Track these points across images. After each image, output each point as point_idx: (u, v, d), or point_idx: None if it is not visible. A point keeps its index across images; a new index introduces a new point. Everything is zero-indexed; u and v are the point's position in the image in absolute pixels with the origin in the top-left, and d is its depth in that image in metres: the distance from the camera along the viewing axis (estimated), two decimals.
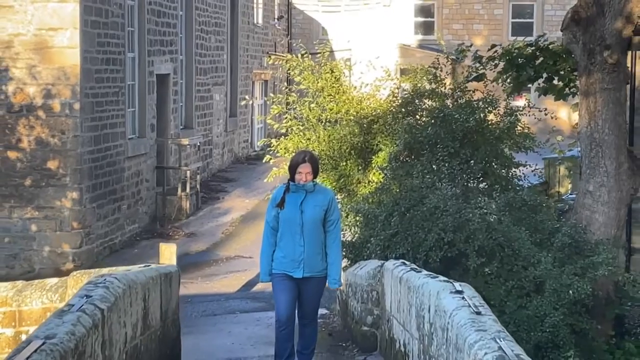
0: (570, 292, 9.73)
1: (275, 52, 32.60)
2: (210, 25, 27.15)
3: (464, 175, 11.27)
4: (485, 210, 10.09)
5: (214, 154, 27.68)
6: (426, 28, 41.45)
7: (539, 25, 39.95)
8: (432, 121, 11.63)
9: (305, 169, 7.90)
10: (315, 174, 8.09)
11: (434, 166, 10.96)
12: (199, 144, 24.93)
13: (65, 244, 17.97)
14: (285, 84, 13.24)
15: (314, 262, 8.11)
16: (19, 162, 17.90)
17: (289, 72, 13.53)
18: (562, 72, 12.38)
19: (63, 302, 8.96)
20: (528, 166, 12.99)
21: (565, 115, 28.77)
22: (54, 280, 9.47)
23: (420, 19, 41.78)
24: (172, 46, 23.56)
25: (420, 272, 7.88)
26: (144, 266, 8.97)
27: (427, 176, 10.75)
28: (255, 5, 32.85)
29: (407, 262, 8.78)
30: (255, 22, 32.92)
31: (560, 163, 19.00)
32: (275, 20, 36.19)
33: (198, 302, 16.26)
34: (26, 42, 17.82)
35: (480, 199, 10.39)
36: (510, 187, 11.71)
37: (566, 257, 10.51)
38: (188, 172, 22.92)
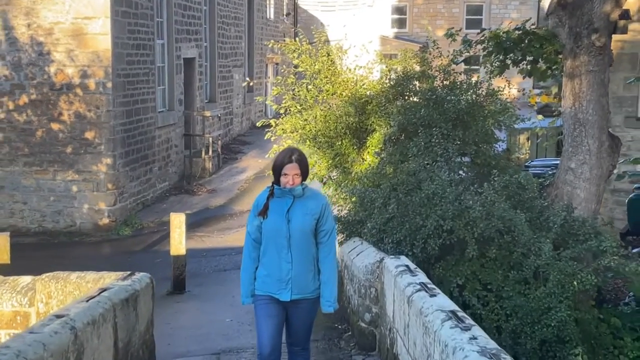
0: (575, 282, 6.62)
1: (284, 41, 29.56)
2: (230, 19, 23.86)
3: (458, 157, 8.04)
4: (485, 196, 6.93)
5: (234, 122, 24.58)
6: (400, 23, 39.25)
7: (486, 20, 37.03)
8: (425, 103, 8.43)
9: (292, 170, 4.61)
10: (304, 175, 4.79)
11: (428, 148, 7.72)
12: (219, 115, 21.81)
13: (101, 203, 15.06)
14: (293, 68, 9.97)
15: (304, 281, 4.80)
16: (60, 132, 14.98)
17: (289, 55, 10.08)
18: (546, 56, 9.08)
19: (32, 306, 5.96)
20: (501, 141, 9.95)
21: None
22: (27, 279, 6.45)
23: (396, 16, 39.52)
24: (197, 35, 20.25)
25: (434, 295, 4.61)
26: (124, 277, 5.84)
27: (423, 159, 7.57)
28: (267, 3, 29.58)
29: (411, 266, 5.52)
30: (267, 17, 29.67)
31: (520, 132, 16.43)
32: (284, 16, 33.03)
33: (212, 257, 13.26)
34: (65, 29, 14.74)
35: (476, 184, 7.23)
36: (497, 166, 8.48)
37: (560, 238, 7.40)
38: (210, 138, 19.86)
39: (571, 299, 6.59)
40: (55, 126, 14.94)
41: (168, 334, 7.76)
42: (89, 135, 14.89)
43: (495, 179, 7.30)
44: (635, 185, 11.16)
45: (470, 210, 6.68)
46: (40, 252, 13.96)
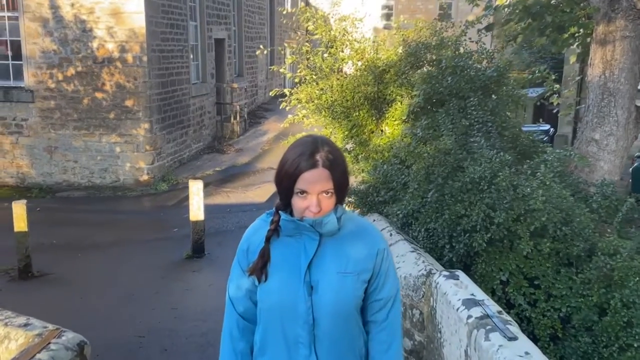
0: None
1: (299, 29, 25.90)
2: (255, 8, 20.44)
3: (496, 130, 5.06)
4: (541, 180, 4.03)
5: (258, 93, 21.33)
6: (387, 17, 35.69)
7: (455, 15, 33.44)
8: (451, 70, 5.43)
9: (317, 186, 1.43)
10: (341, 192, 1.52)
11: (464, 121, 4.72)
12: (245, 87, 18.53)
13: (141, 162, 12.10)
14: (307, 35, 6.96)
15: None
16: (104, 100, 11.91)
17: (304, 23, 6.93)
18: (579, 21, 5.99)
19: None
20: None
21: None
22: None
23: (384, 11, 36.00)
24: (226, 19, 16.92)
25: (513, 338, 1.85)
26: (41, 344, 2.88)
27: (458, 134, 4.63)
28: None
29: (477, 295, 2.72)
30: (286, 8, 26.00)
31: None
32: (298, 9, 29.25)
33: (235, 212, 10.41)
34: (104, 8, 11.50)
35: (529, 166, 4.29)
36: (525, 140, 5.50)
37: (603, 222, 4.55)
38: (238, 106, 16.69)
39: None
40: (99, 95, 11.90)
41: (168, 332, 4.88)
42: (128, 103, 11.86)
43: (544, 156, 4.34)
44: (637, 154, 8.17)
45: (530, 200, 3.77)
46: (87, 205, 11.20)
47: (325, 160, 1.46)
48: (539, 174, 4.00)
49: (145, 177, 12.14)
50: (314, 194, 1.47)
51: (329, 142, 1.56)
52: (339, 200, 1.53)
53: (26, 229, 6.57)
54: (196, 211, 7.28)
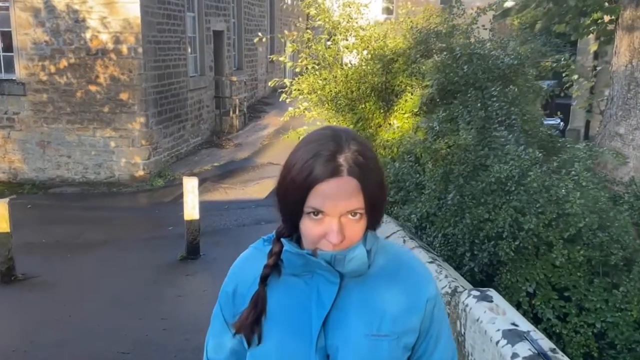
0: None
1: (299, 20, 25.37)
2: (255, 0, 19.71)
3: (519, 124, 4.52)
4: (575, 180, 3.52)
5: (258, 86, 20.74)
6: (388, 11, 35.12)
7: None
8: (467, 58, 4.91)
9: (341, 202, 0.91)
10: (375, 212, 0.99)
11: (481, 113, 4.20)
12: (245, 80, 18.01)
13: (137, 157, 11.59)
14: (307, 20, 6.34)
15: None
16: (98, 93, 11.38)
17: (305, 10, 6.39)
18: (603, 5, 5.46)
19: None
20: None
21: None
22: None
23: (384, 5, 35.52)
24: (225, 11, 16.36)
25: None
26: None
27: (477, 128, 4.11)
28: None
29: (521, 326, 2.31)
30: (285, 1, 25.42)
31: None
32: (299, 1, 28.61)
33: (233, 209, 9.90)
34: None
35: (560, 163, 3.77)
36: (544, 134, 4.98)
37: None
38: (237, 99, 16.14)
39: None
40: (92, 88, 11.37)
41: (155, 347, 4.35)
42: (123, 96, 11.33)
43: (577, 152, 3.83)
44: None
45: (565, 203, 3.26)
46: (81, 201, 10.71)
47: (353, 165, 0.96)
48: (572, 172, 3.49)
49: (141, 173, 11.65)
50: (334, 216, 0.97)
51: (357, 138, 1.02)
52: (372, 225, 1.03)
53: (8, 230, 6.09)
54: (191, 210, 6.79)
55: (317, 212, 0.96)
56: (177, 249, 7.15)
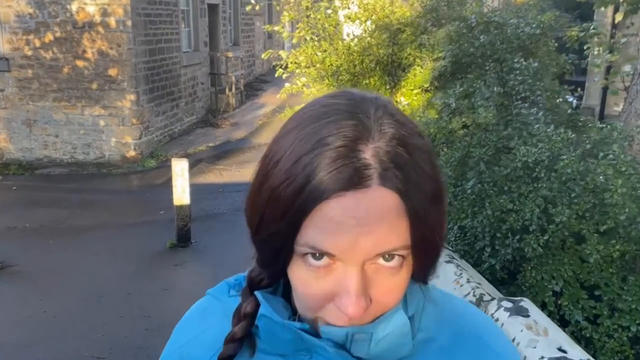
0: None
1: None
2: None
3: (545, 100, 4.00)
4: (614, 166, 3.06)
5: (256, 63, 20.13)
6: None
7: None
8: (483, 27, 4.38)
9: (369, 239, 0.43)
10: (428, 250, 0.51)
11: (498, 88, 3.69)
12: (241, 56, 17.35)
13: (127, 136, 11.06)
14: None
15: None
16: (85, 69, 10.80)
17: None
18: None
19: None
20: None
21: None
22: None
23: None
24: None
25: None
26: None
27: (498, 105, 3.61)
28: None
29: (575, 357, 1.84)
30: None
31: None
32: None
33: (228, 192, 9.40)
34: None
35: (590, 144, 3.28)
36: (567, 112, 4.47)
37: None
38: (233, 77, 15.53)
39: None
40: (80, 63, 10.79)
41: (135, 350, 3.90)
42: (112, 72, 10.77)
43: (613, 132, 3.34)
44: None
45: (605, 192, 2.79)
46: (68, 183, 10.23)
47: (390, 166, 0.51)
48: (610, 156, 3.01)
49: (132, 153, 11.15)
50: (353, 263, 0.51)
51: (394, 112, 0.55)
52: (422, 274, 0.58)
53: None
54: (180, 194, 6.31)
55: (320, 254, 0.49)
56: (168, 235, 6.70)
